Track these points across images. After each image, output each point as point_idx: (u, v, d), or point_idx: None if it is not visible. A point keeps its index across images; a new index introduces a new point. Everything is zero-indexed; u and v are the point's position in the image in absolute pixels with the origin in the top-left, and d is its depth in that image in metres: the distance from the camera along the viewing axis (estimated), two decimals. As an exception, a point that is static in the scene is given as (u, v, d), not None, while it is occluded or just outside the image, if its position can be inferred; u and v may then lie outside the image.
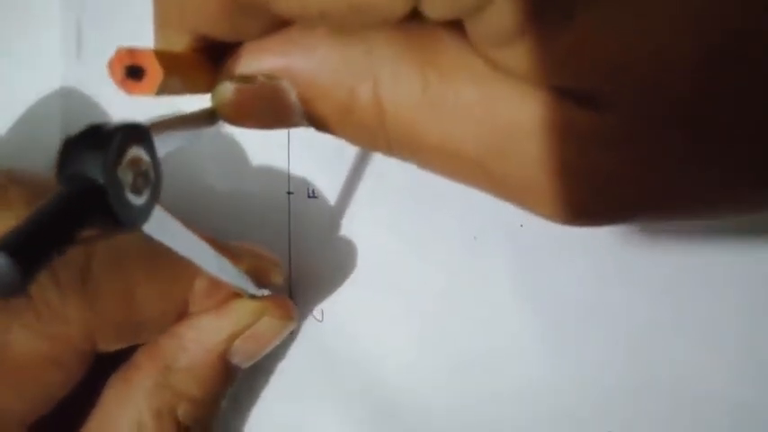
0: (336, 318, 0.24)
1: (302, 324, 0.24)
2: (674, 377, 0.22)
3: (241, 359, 0.22)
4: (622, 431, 0.22)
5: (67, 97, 0.26)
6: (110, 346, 0.20)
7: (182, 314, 0.21)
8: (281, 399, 0.24)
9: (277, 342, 0.22)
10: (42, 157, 0.26)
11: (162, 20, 0.15)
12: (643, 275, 0.22)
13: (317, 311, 0.24)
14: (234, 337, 0.21)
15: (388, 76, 0.13)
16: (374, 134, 0.14)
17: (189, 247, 0.16)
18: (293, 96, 0.14)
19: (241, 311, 0.21)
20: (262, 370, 0.24)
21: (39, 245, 0.09)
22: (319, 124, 0.15)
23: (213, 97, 0.15)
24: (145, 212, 0.12)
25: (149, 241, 0.21)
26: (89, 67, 0.26)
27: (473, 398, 0.23)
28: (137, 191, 0.12)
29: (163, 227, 0.14)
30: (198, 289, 0.21)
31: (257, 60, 0.14)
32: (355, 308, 0.24)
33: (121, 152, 0.11)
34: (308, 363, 0.24)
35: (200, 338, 0.21)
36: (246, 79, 0.14)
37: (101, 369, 0.20)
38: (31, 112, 0.26)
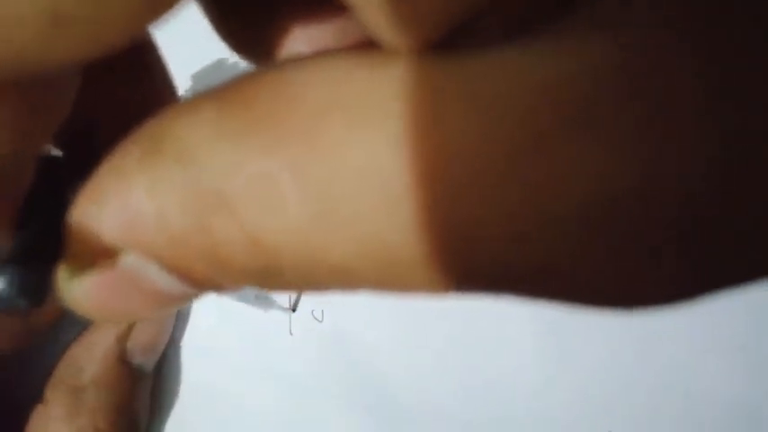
0: (336, 318, 0.24)
1: (302, 325, 0.24)
2: (673, 376, 0.22)
3: (142, 358, 0.23)
4: (622, 431, 0.22)
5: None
6: None
7: None
8: (282, 399, 0.24)
9: (167, 332, 0.24)
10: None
11: None
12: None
13: (316, 312, 0.24)
14: (122, 338, 0.22)
15: (243, 190, 0.08)
16: (269, 277, 0.09)
17: None
18: (153, 272, 0.09)
19: None
20: (262, 370, 0.24)
21: (37, 252, 0.10)
22: (214, 288, 0.10)
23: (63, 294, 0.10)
24: None
25: None
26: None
27: (473, 397, 0.23)
28: None
29: None
30: None
31: (90, 228, 0.09)
32: (355, 308, 0.24)
33: None
34: (307, 363, 0.24)
35: (93, 351, 0.22)
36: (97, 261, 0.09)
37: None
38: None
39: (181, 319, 0.25)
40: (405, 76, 0.07)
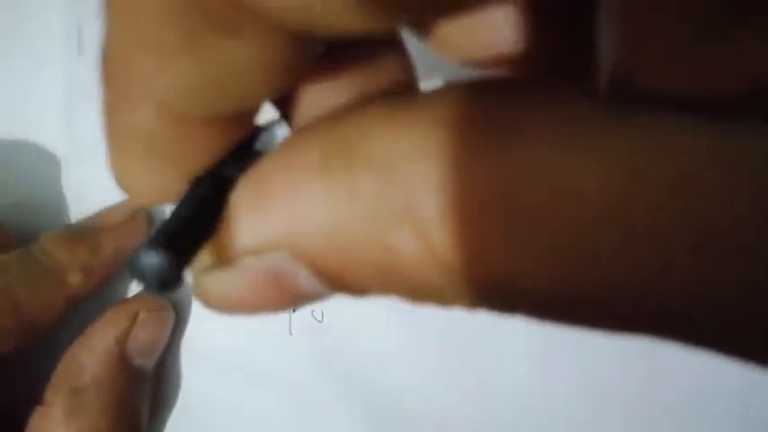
0: (336, 318, 0.24)
1: (302, 325, 0.24)
2: (680, 375, 0.22)
3: (142, 358, 0.23)
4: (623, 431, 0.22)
5: (69, 94, 0.26)
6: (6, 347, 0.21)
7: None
8: (281, 399, 0.24)
9: (166, 333, 0.24)
10: (42, 155, 0.26)
11: (118, 88, 0.10)
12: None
13: (317, 312, 0.24)
14: (121, 339, 0.22)
15: (435, 210, 0.08)
16: (440, 291, 0.09)
17: None
18: (302, 274, 0.09)
19: (117, 315, 0.23)
20: (262, 370, 0.24)
21: (186, 238, 0.09)
22: (359, 293, 0.09)
23: (200, 289, 0.10)
24: None
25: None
26: (90, 63, 0.26)
27: (473, 399, 0.23)
28: None
29: None
30: (72, 280, 0.23)
31: (248, 230, 0.09)
32: (355, 308, 0.24)
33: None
34: (307, 363, 0.24)
35: (93, 352, 0.22)
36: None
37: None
38: (31, 109, 0.26)
39: (181, 320, 0.25)
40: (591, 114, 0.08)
